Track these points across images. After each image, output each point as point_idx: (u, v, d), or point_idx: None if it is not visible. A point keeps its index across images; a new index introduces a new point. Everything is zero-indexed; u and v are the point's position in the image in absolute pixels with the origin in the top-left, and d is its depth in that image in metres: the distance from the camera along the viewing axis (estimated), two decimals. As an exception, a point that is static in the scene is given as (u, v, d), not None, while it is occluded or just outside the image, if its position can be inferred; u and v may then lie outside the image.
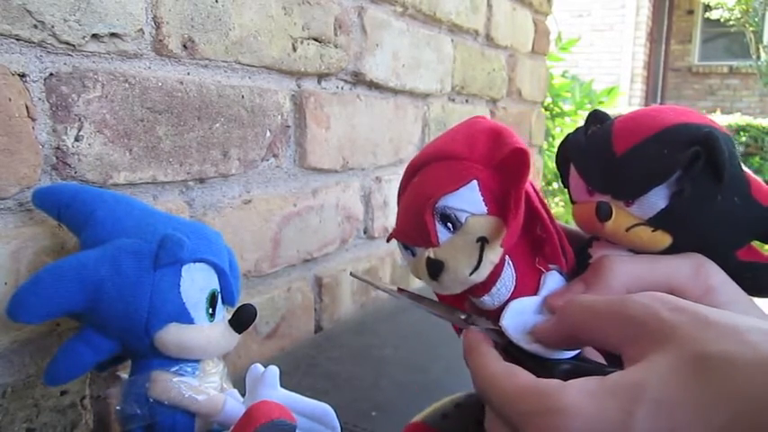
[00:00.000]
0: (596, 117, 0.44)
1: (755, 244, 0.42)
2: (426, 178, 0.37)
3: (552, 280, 0.38)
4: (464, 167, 0.35)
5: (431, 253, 0.35)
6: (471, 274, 0.35)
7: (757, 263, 0.41)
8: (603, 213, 0.39)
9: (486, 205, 0.35)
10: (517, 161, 0.34)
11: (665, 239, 0.39)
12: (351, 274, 0.45)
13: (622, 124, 0.40)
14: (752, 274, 0.40)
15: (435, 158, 0.37)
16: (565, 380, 0.29)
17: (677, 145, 0.37)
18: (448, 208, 0.35)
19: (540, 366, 0.34)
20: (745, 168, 0.39)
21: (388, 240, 0.40)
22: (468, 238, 0.35)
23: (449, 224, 0.35)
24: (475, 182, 0.35)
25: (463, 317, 0.38)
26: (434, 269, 0.35)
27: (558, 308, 0.35)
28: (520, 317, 0.36)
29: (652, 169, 0.37)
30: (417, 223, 0.35)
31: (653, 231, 0.39)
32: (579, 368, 0.34)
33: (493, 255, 0.35)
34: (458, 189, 0.35)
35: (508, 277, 0.37)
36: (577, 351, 0.35)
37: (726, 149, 0.36)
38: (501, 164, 0.35)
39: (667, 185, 0.37)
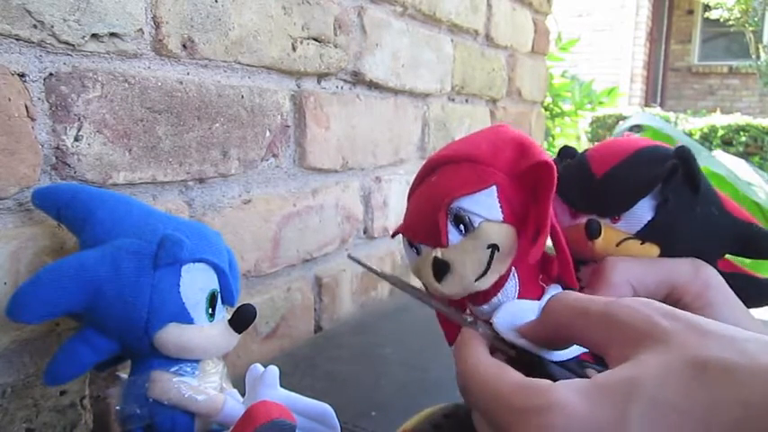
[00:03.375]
0: (567, 153, 0.46)
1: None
2: (444, 177, 0.36)
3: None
4: (485, 172, 0.34)
5: (438, 253, 0.34)
6: (477, 280, 0.34)
7: (737, 273, 0.43)
8: (593, 231, 0.40)
9: (502, 213, 0.34)
10: (543, 174, 0.33)
11: (653, 251, 0.40)
12: (349, 256, 0.43)
13: (596, 152, 0.43)
14: (733, 284, 0.41)
15: (456, 159, 0.36)
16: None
17: (654, 161, 0.40)
18: (463, 210, 0.34)
19: (535, 369, 0.33)
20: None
21: (393, 236, 0.39)
22: (479, 243, 0.34)
23: (461, 226, 0.34)
24: (494, 187, 0.34)
25: (470, 319, 0.37)
26: (440, 270, 0.34)
27: (544, 305, 0.34)
28: (512, 316, 0.36)
29: (635, 184, 0.40)
30: (429, 221, 0.35)
31: (642, 244, 0.40)
32: (569, 368, 0.33)
33: (501, 264, 0.34)
34: (476, 192, 0.34)
35: (510, 289, 0.36)
36: (576, 354, 0.35)
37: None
38: (524, 174, 0.34)
39: (651, 198, 0.40)
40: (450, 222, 0.34)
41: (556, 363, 0.34)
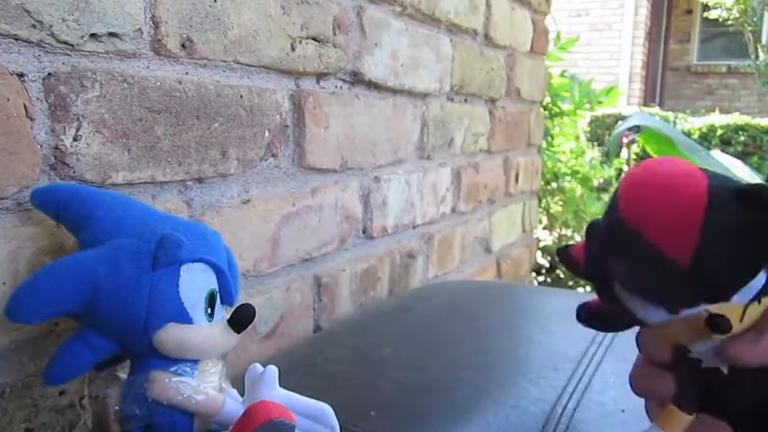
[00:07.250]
0: (597, 229, 0.38)
1: None
2: None
3: None
4: None
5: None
6: None
7: None
8: (723, 328, 0.34)
9: None
10: None
11: None
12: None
13: (652, 223, 0.34)
14: None
15: None
16: None
17: (735, 215, 0.32)
18: None
19: None
20: None
21: None
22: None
23: None
24: None
25: None
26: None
27: None
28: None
29: (743, 262, 0.33)
30: None
31: (759, 303, 0.35)
32: None
33: None
34: None
35: None
36: None
37: None
38: None
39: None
40: None
41: None
